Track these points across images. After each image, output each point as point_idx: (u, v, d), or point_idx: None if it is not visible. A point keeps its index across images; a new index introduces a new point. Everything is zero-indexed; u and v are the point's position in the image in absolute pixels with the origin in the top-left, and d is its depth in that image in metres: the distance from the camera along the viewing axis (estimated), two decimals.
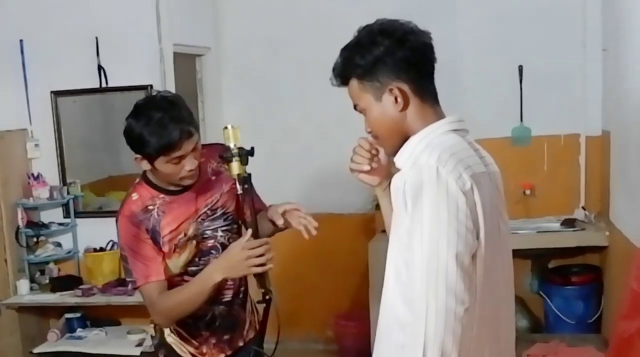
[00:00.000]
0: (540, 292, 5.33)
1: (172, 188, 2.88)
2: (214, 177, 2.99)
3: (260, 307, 2.88)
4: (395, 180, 1.97)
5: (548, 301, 5.22)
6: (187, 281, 2.92)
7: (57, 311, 5.25)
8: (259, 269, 2.68)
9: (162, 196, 2.88)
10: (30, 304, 5.10)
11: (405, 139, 2.04)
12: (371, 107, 2.05)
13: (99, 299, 4.98)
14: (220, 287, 2.92)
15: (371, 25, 2.05)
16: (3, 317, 5.09)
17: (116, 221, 2.88)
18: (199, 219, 2.93)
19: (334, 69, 2.10)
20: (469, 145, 2.06)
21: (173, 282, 2.91)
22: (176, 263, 2.91)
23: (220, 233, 2.98)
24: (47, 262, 5.27)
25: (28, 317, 5.20)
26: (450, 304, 1.81)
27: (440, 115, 2.07)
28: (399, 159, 2.04)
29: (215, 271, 2.74)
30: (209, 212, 2.96)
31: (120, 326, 5.22)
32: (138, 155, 2.78)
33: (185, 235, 2.89)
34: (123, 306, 4.98)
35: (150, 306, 2.89)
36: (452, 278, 1.82)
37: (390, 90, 2.00)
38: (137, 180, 2.95)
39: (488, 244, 1.92)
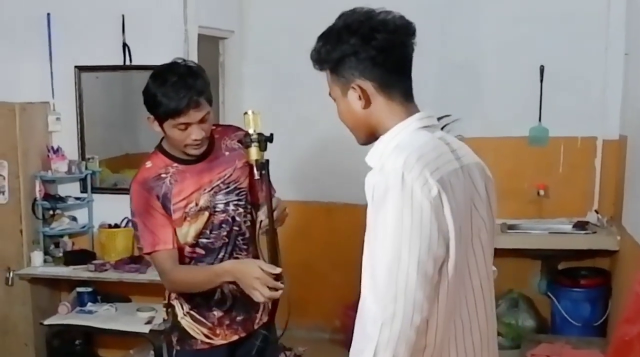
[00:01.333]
0: (549, 293, 5.35)
1: (185, 158, 2.95)
2: (227, 153, 3.05)
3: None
4: (367, 179, 1.93)
5: (556, 302, 5.24)
6: (197, 253, 3.00)
7: (69, 284, 5.30)
8: (261, 299, 2.73)
9: (175, 164, 2.95)
10: (43, 276, 5.16)
11: (373, 132, 2.03)
12: (339, 101, 2.05)
13: (111, 275, 5.03)
14: None
15: (342, 16, 2.01)
16: (16, 288, 5.16)
17: (130, 188, 2.97)
18: (212, 192, 2.98)
19: (311, 56, 2.08)
20: (439, 141, 1.99)
21: (184, 252, 2.99)
22: (187, 232, 2.97)
23: (232, 207, 3.03)
24: (62, 236, 5.33)
25: (40, 288, 5.26)
26: (407, 312, 1.78)
27: (410, 112, 2.01)
28: (371, 159, 2.01)
29: (229, 273, 2.81)
30: (222, 185, 3.01)
31: (130, 302, 5.25)
32: (151, 116, 2.87)
33: (196, 205, 2.95)
34: (134, 283, 5.04)
35: (161, 274, 2.98)
36: (412, 286, 1.78)
37: (353, 88, 1.98)
38: (153, 150, 3.03)
39: (460, 248, 1.88)
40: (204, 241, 3.01)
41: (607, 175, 5.29)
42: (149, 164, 2.98)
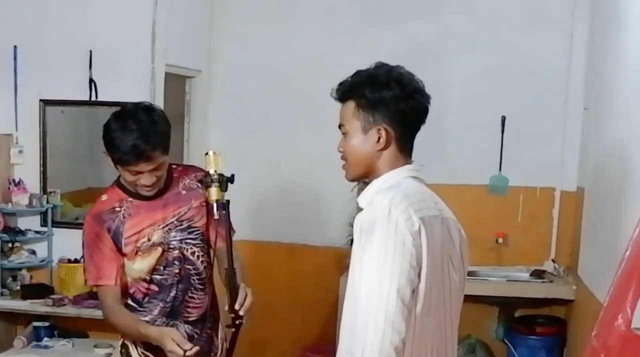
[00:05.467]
0: (505, 340, 5.39)
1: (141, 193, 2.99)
2: (184, 192, 3.09)
3: (229, 332, 2.94)
4: (356, 219, 2.12)
5: (512, 349, 5.27)
6: (151, 290, 3.04)
7: (26, 318, 5.22)
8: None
9: (130, 199, 3.01)
10: None
11: (369, 172, 2.21)
12: (354, 134, 2.20)
13: (69, 310, 4.98)
14: (184, 305, 3.01)
15: (392, 68, 2.19)
16: None
17: (84, 220, 3.04)
18: (167, 228, 3.02)
19: (341, 84, 2.22)
20: (425, 189, 2.22)
21: (138, 286, 3.04)
22: (140, 267, 3.01)
23: (184, 245, 3.06)
24: (20, 269, 5.28)
25: None
26: (387, 332, 1.97)
27: (404, 163, 2.23)
28: (362, 200, 2.20)
29: (151, 339, 2.88)
30: (176, 222, 3.04)
31: (88, 338, 5.19)
32: (106, 151, 2.91)
33: (149, 240, 2.99)
34: (92, 319, 4.95)
35: (102, 309, 3.08)
36: (392, 309, 1.97)
37: (379, 129, 2.15)
38: (111, 184, 3.08)
39: (431, 282, 2.07)
40: (158, 277, 3.04)
41: (565, 225, 5.38)
42: (104, 197, 3.05)
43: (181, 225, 3.05)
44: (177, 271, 3.04)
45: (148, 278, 3.03)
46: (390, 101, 2.14)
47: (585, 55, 5.21)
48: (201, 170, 3.10)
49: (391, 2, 5.61)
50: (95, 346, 4.97)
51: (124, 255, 2.99)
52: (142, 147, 2.79)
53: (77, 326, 5.18)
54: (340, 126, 2.24)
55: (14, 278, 5.26)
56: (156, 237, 3.00)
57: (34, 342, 5.06)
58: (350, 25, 5.67)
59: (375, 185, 2.19)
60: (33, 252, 5.35)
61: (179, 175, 3.12)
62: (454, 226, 2.24)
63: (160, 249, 3.01)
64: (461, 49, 5.48)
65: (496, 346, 5.51)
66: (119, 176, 3.04)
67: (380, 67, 2.20)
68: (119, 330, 3.08)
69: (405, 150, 2.22)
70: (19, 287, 5.19)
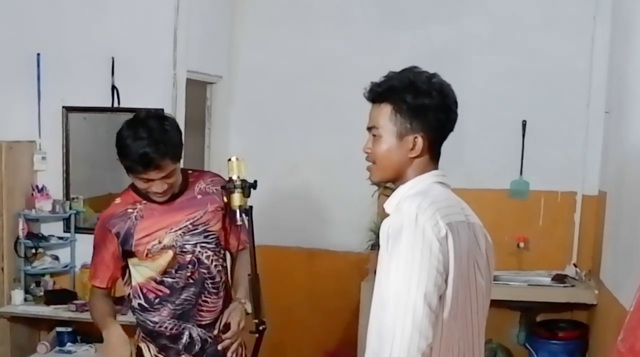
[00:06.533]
0: (527, 345, 5.37)
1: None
2: (200, 196, 3.12)
3: (252, 338, 2.95)
4: (383, 225, 2.12)
5: (534, 354, 5.25)
6: (163, 292, 3.06)
7: (49, 323, 5.27)
8: None
9: (144, 202, 3.03)
10: (23, 315, 5.13)
11: (396, 177, 2.21)
12: (387, 139, 2.18)
13: None
14: (197, 308, 3.05)
15: (431, 76, 2.18)
16: None
17: None
18: (180, 232, 3.04)
19: (378, 85, 2.20)
20: (452, 195, 2.21)
21: (148, 287, 3.07)
22: (150, 268, 3.03)
23: (199, 249, 3.07)
24: (43, 275, 5.32)
25: (20, 327, 5.23)
26: (414, 338, 1.97)
27: (431, 170, 2.23)
28: (388, 206, 2.20)
29: (104, 336, 3.05)
30: (190, 226, 3.06)
31: None
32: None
33: (159, 242, 3.01)
34: None
35: (88, 300, 3.27)
36: (419, 314, 1.98)
37: (415, 137, 2.14)
38: (127, 187, 3.12)
39: (458, 287, 2.07)
40: (169, 280, 3.06)
41: (586, 229, 5.35)
42: (118, 200, 3.10)
43: (196, 229, 3.07)
44: (189, 274, 3.06)
45: (158, 279, 3.05)
46: (431, 110, 2.13)
47: (606, 58, 5.18)
48: (217, 175, 3.17)
49: (408, 6, 5.62)
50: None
51: (134, 255, 3.03)
52: (151, 155, 2.82)
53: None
54: (370, 128, 2.22)
55: (38, 284, 5.30)
56: (168, 240, 3.02)
57: (57, 347, 5.11)
58: (368, 29, 5.69)
59: (401, 190, 2.19)
60: (56, 258, 5.39)
61: (194, 179, 3.15)
62: (480, 231, 2.24)
63: (171, 252, 3.03)
64: (480, 52, 5.47)
65: (518, 351, 5.49)
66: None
67: (420, 73, 2.18)
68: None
69: (434, 159, 2.22)
70: (42, 293, 5.23)
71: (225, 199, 3.07)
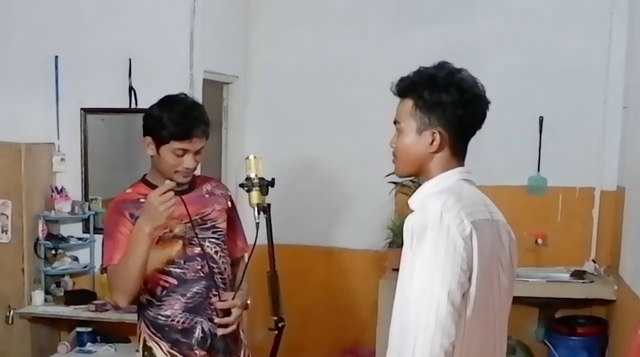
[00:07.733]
0: (546, 341, 5.36)
1: None
2: (207, 195, 3.18)
3: (271, 335, 2.95)
4: (407, 221, 2.13)
5: (553, 350, 5.24)
6: (170, 283, 3.05)
7: (69, 324, 5.30)
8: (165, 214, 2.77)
9: None
10: (43, 315, 5.16)
11: (418, 171, 2.22)
12: (408, 133, 2.20)
13: (111, 315, 5.02)
14: (207, 302, 3.07)
15: (453, 71, 2.19)
16: (16, 326, 5.16)
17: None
18: (190, 224, 3.05)
19: (401, 80, 2.22)
20: (477, 192, 2.22)
21: (155, 277, 3.03)
22: (159, 256, 3.00)
23: (207, 243, 3.10)
24: (63, 275, 5.35)
25: (40, 327, 5.26)
26: (437, 336, 1.98)
27: (456, 166, 2.23)
28: (413, 202, 2.21)
29: (142, 223, 2.82)
30: (199, 220, 3.09)
31: (130, 343, 5.24)
32: (148, 138, 2.95)
33: (171, 231, 3.01)
34: (134, 324, 4.97)
35: (109, 287, 3.08)
36: (442, 312, 1.99)
37: (433, 132, 2.16)
38: (137, 181, 3.14)
39: (481, 285, 2.07)
40: (177, 270, 3.05)
41: (605, 225, 5.34)
42: (129, 190, 3.10)
43: (205, 224, 3.11)
44: (199, 267, 3.06)
45: (165, 270, 3.04)
46: (448, 106, 2.14)
47: (624, 53, 5.17)
48: (220, 182, 3.35)
49: (423, 4, 5.62)
50: (137, 351, 4.98)
51: None
52: (196, 121, 2.90)
53: (119, 331, 5.23)
54: (395, 122, 2.25)
55: (58, 284, 5.34)
56: (178, 230, 3.04)
57: (78, 348, 5.14)
58: (383, 28, 5.69)
59: (426, 187, 2.20)
60: (76, 259, 5.42)
61: (201, 181, 3.22)
62: (503, 228, 2.24)
63: (180, 242, 3.04)
64: (496, 49, 5.46)
65: (536, 347, 5.48)
66: (145, 175, 3.12)
67: (442, 68, 2.19)
68: (130, 280, 2.88)
69: (458, 154, 2.22)
70: (62, 294, 5.26)
71: (229, 204, 3.19)
